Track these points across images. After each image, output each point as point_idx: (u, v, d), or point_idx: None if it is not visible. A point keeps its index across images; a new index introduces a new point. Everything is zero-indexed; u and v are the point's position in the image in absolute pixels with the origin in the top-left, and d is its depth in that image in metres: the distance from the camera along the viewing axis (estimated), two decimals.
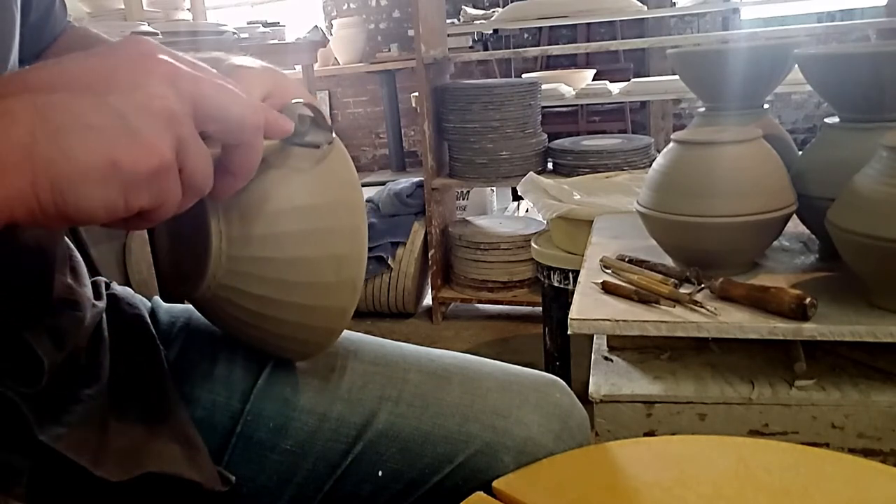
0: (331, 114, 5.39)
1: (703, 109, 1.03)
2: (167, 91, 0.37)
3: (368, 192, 2.66)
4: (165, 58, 0.38)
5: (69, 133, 0.34)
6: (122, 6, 1.96)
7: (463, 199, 2.98)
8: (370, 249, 2.37)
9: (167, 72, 0.37)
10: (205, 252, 0.47)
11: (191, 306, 0.63)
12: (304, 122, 0.47)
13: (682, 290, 0.80)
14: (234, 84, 0.41)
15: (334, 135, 0.50)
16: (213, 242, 0.47)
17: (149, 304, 0.63)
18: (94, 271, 0.60)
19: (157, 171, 0.36)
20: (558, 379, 0.63)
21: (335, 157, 0.50)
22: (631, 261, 0.90)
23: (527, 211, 3.08)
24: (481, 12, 3.14)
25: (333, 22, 4.53)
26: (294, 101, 0.48)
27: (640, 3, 2.42)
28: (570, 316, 0.79)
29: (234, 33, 2.10)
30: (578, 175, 1.95)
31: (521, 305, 2.32)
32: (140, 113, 0.35)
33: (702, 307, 0.77)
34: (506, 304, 2.35)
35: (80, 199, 0.35)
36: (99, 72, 0.36)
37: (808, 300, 0.72)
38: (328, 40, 3.11)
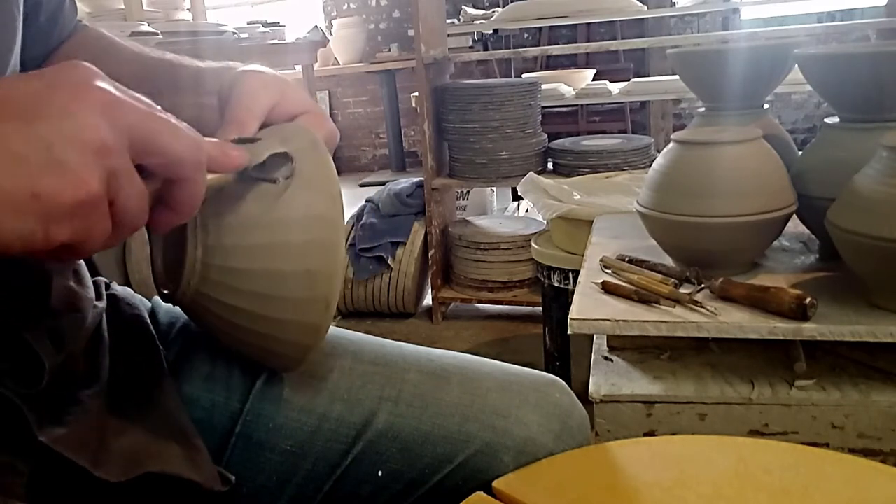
0: (331, 114, 5.39)
1: (703, 109, 1.03)
2: (100, 121, 0.35)
3: (368, 193, 2.66)
4: (104, 86, 0.37)
5: None
6: (122, 6, 1.96)
7: (463, 199, 2.98)
8: (370, 249, 2.37)
9: (103, 101, 0.36)
10: (183, 257, 0.48)
11: None
12: (261, 154, 0.47)
13: (682, 290, 0.80)
14: (174, 118, 0.39)
15: (321, 146, 0.50)
16: (188, 249, 0.48)
17: (149, 304, 0.63)
18: (94, 271, 0.60)
19: (81, 204, 0.34)
20: (558, 379, 0.63)
21: (316, 170, 0.49)
22: (631, 261, 0.90)
23: (527, 211, 3.08)
24: (481, 12, 3.14)
25: (333, 22, 4.53)
26: (251, 136, 0.48)
27: (640, 3, 2.42)
28: (570, 316, 0.79)
29: (234, 33, 2.10)
30: (578, 175, 1.95)
31: (521, 305, 2.32)
32: (68, 143, 0.34)
33: (702, 307, 0.77)
34: (506, 304, 2.35)
35: None
36: (31, 97, 0.35)
37: (808, 300, 0.72)
38: (328, 40, 3.12)
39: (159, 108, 0.39)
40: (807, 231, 0.92)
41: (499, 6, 3.92)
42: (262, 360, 0.56)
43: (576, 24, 4.29)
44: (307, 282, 0.48)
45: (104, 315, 0.57)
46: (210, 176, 0.42)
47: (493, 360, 0.63)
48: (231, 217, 0.48)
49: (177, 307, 0.64)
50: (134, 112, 0.37)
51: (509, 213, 3.12)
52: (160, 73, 0.59)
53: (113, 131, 0.35)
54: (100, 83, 0.37)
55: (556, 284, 1.56)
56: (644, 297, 0.80)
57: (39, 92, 0.35)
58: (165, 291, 0.52)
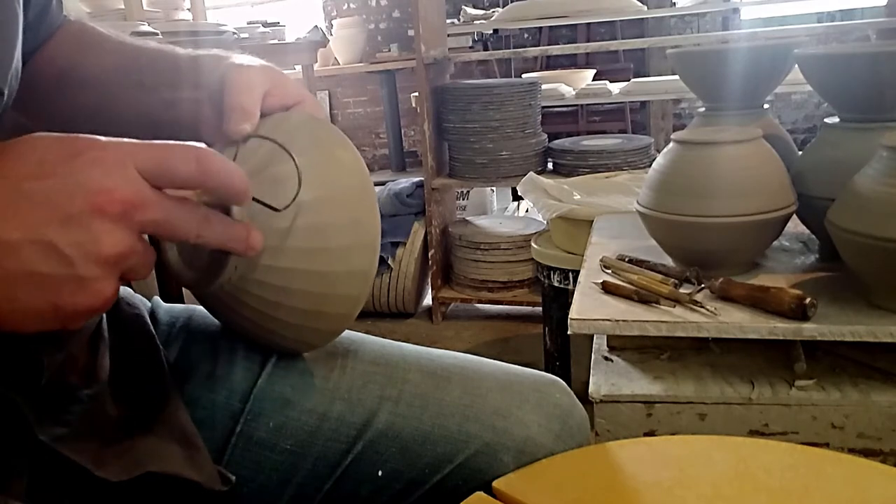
0: (331, 114, 5.39)
1: (703, 109, 1.03)
2: (120, 234, 0.37)
3: None
4: (123, 181, 0.37)
5: (16, 282, 0.36)
6: (122, 6, 1.96)
7: (463, 199, 2.98)
8: None
9: (123, 211, 0.37)
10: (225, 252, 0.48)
11: (191, 306, 0.63)
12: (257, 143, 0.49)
13: (682, 290, 0.80)
14: (208, 163, 0.40)
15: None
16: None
17: (149, 304, 0.63)
18: None
19: (99, 309, 0.38)
20: (558, 379, 0.63)
21: (340, 151, 0.52)
22: (631, 261, 0.90)
23: (527, 211, 3.08)
24: (481, 12, 3.14)
25: (333, 22, 4.53)
26: (270, 135, 0.50)
27: (640, 3, 2.42)
28: (570, 316, 0.79)
29: (234, 33, 2.10)
30: (578, 175, 1.95)
31: (521, 305, 2.32)
32: (88, 261, 0.36)
33: (702, 307, 0.77)
34: (506, 304, 2.35)
35: (18, 328, 0.37)
36: (51, 203, 0.36)
37: (808, 300, 0.72)
38: (328, 40, 3.11)
39: (184, 162, 0.39)
40: (807, 231, 0.92)
41: (499, 6, 3.92)
42: (293, 341, 0.56)
43: (576, 24, 4.29)
44: (354, 230, 0.52)
45: (104, 315, 0.57)
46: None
47: (493, 360, 0.63)
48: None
49: (177, 307, 0.64)
50: (147, 210, 0.38)
51: (509, 213, 3.12)
52: (144, 65, 0.59)
53: (129, 236, 0.38)
54: (115, 181, 0.37)
55: (556, 284, 1.56)
56: (644, 297, 0.80)
57: (59, 193, 0.36)
58: (188, 285, 0.52)
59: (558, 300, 1.59)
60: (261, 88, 0.53)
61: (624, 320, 0.77)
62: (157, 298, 0.65)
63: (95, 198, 0.37)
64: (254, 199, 0.47)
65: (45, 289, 0.36)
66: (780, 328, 0.73)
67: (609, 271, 0.89)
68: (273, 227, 0.48)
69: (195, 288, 0.52)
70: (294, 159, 0.49)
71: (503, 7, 2.79)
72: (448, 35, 2.63)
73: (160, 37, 1.71)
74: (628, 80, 2.84)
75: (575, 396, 0.62)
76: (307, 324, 0.53)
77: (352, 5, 5.26)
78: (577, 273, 0.95)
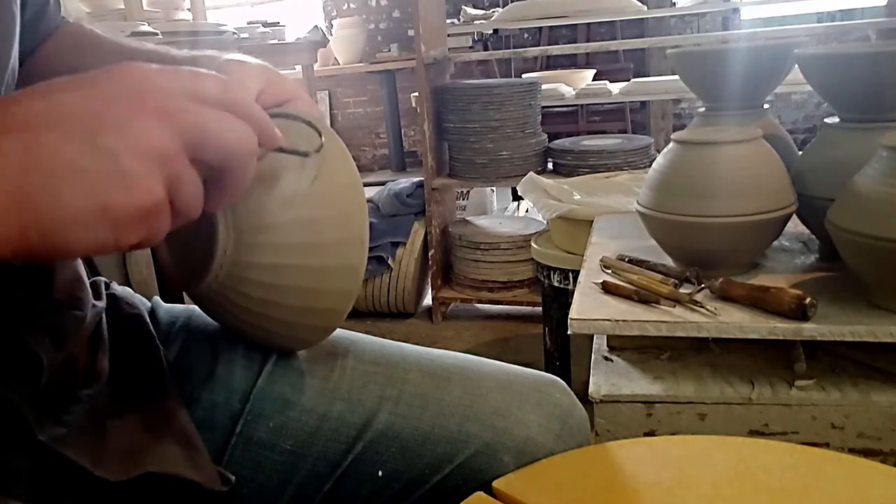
0: (331, 114, 5.39)
1: (703, 109, 1.03)
2: (159, 129, 0.36)
3: (369, 193, 2.65)
4: (157, 89, 0.37)
5: (60, 178, 0.34)
6: (122, 6, 1.96)
7: (463, 199, 2.98)
8: (370, 249, 2.36)
9: (159, 108, 0.37)
10: (211, 246, 0.48)
11: (191, 306, 0.63)
12: (291, 128, 0.48)
13: (682, 290, 0.80)
14: (232, 103, 0.40)
15: (335, 134, 0.51)
16: (219, 233, 0.48)
17: (148, 304, 0.63)
18: (94, 271, 0.60)
19: (148, 211, 0.36)
20: (558, 379, 0.63)
21: (331, 147, 0.51)
22: (631, 261, 0.90)
23: (527, 211, 3.08)
24: (481, 12, 3.14)
25: (333, 22, 4.53)
26: (281, 110, 0.48)
27: (640, 3, 2.42)
28: (570, 316, 0.79)
29: (234, 33, 2.10)
30: (578, 175, 1.95)
31: (521, 305, 2.32)
32: (132, 154, 0.35)
33: (702, 307, 0.77)
34: (506, 304, 2.35)
35: (70, 242, 0.35)
36: (90, 108, 0.36)
37: (808, 300, 0.72)
38: (328, 40, 3.11)
39: (214, 83, 0.40)
40: (807, 231, 0.92)
41: (499, 6, 3.92)
42: (287, 339, 0.56)
43: (576, 24, 4.28)
44: (337, 249, 0.51)
45: (104, 315, 0.57)
46: None
47: (493, 360, 0.63)
48: (256, 198, 0.48)
49: (177, 307, 0.64)
50: (188, 113, 0.38)
51: (509, 213, 3.12)
52: None
53: (171, 136, 0.36)
54: (153, 87, 0.37)
55: (556, 284, 1.56)
56: (644, 297, 0.80)
57: (95, 104, 0.36)
58: (181, 285, 0.52)
59: (558, 300, 1.59)
60: (256, 86, 0.53)
61: (624, 320, 0.77)
62: (157, 298, 0.65)
63: (137, 98, 0.36)
64: (279, 148, 0.46)
65: (92, 186, 0.34)
66: (780, 328, 0.73)
67: (609, 271, 0.89)
68: (260, 222, 0.48)
69: (188, 287, 0.53)
70: (306, 122, 0.49)
71: (503, 7, 2.79)
72: (448, 35, 2.63)
73: (160, 37, 1.71)
74: (628, 80, 2.84)
75: (575, 396, 0.62)
76: (300, 320, 0.53)
77: (352, 5, 5.26)
78: (577, 273, 0.95)
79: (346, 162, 0.52)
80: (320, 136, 0.49)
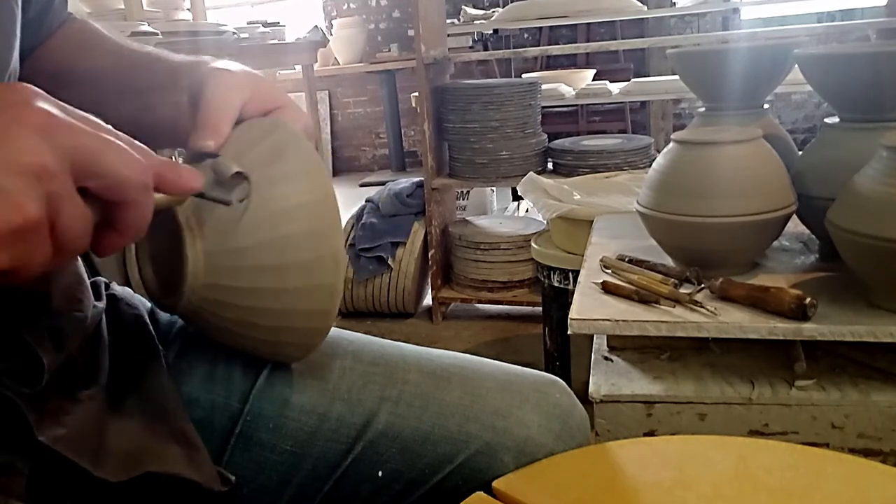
0: (331, 114, 5.39)
1: (703, 109, 1.03)
2: (40, 144, 0.34)
3: (368, 193, 2.66)
4: (44, 106, 0.36)
5: None
6: (122, 6, 1.96)
7: (463, 199, 2.98)
8: (370, 249, 2.37)
9: (43, 123, 0.35)
10: (182, 267, 0.48)
11: None
12: (222, 176, 0.47)
13: (682, 290, 0.80)
14: (125, 140, 0.38)
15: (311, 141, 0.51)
16: (188, 257, 0.48)
17: (148, 304, 0.63)
18: (94, 272, 0.60)
19: (20, 230, 0.34)
20: (558, 379, 0.63)
21: (304, 162, 0.50)
22: (631, 261, 0.90)
23: (527, 211, 3.07)
24: (481, 12, 3.14)
25: (333, 22, 4.54)
26: (204, 153, 0.48)
27: (640, 3, 2.42)
28: (570, 316, 0.79)
29: (234, 33, 2.10)
30: (578, 175, 1.95)
31: (521, 305, 2.32)
32: (5, 168, 0.33)
33: (702, 307, 0.77)
34: (506, 304, 2.34)
35: None
36: None
37: (808, 300, 0.72)
38: (328, 40, 3.12)
39: (107, 127, 0.38)
40: (807, 231, 0.92)
41: (499, 6, 3.92)
42: (272, 354, 0.56)
43: (576, 24, 4.29)
44: (314, 243, 0.49)
45: (104, 315, 0.57)
46: (162, 196, 0.41)
47: (493, 361, 0.63)
48: (225, 221, 0.48)
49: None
50: (75, 133, 0.36)
51: (509, 213, 3.12)
52: (139, 68, 0.59)
53: (53, 154, 0.35)
54: (40, 104, 0.36)
55: (556, 284, 1.56)
56: (644, 297, 0.80)
57: None
58: (161, 303, 0.52)
59: (558, 300, 1.59)
60: (239, 100, 0.52)
61: (624, 320, 0.77)
62: None
63: (20, 111, 0.35)
64: (202, 194, 0.44)
65: None
66: (780, 328, 0.73)
67: (609, 271, 0.89)
68: (229, 245, 0.48)
69: (166, 306, 0.53)
70: (246, 178, 0.48)
71: (503, 7, 2.79)
72: (448, 35, 2.63)
73: (160, 37, 1.71)
74: (628, 80, 2.84)
75: (575, 396, 0.62)
76: (280, 338, 0.53)
77: (352, 5, 5.26)
78: (577, 273, 0.95)
79: (317, 178, 0.50)
80: (248, 183, 0.48)
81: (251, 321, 0.51)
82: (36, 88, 0.37)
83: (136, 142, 0.39)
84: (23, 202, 0.34)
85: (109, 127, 0.39)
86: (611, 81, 2.82)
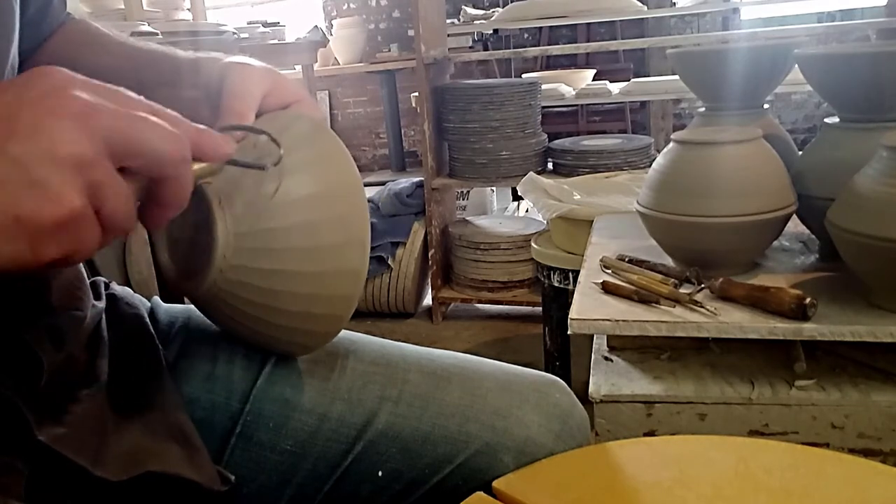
0: (331, 114, 5.39)
1: (703, 109, 1.03)
2: (76, 133, 0.34)
3: (368, 193, 2.65)
4: (77, 94, 0.35)
5: None
6: (122, 6, 1.96)
7: (463, 199, 2.98)
8: (370, 249, 2.36)
9: (76, 111, 0.35)
10: (210, 250, 0.48)
11: (190, 306, 0.63)
12: (251, 141, 0.47)
13: (682, 290, 0.80)
14: (159, 113, 0.38)
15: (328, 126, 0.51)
16: (218, 238, 0.48)
17: (148, 304, 0.63)
18: (94, 271, 0.60)
19: (65, 221, 0.34)
20: (558, 379, 0.63)
21: (331, 148, 0.51)
22: (631, 261, 0.90)
23: (527, 211, 3.07)
24: (481, 12, 3.14)
25: (333, 22, 4.53)
26: (233, 124, 0.48)
27: (640, 3, 2.42)
28: (570, 316, 0.79)
29: (234, 33, 2.10)
30: (578, 175, 1.95)
31: (521, 305, 2.32)
32: (43, 161, 0.33)
33: (702, 307, 0.76)
34: (506, 304, 2.34)
35: None
36: (2, 115, 0.34)
37: (808, 300, 0.72)
38: (328, 40, 3.11)
39: (140, 100, 0.38)
40: (807, 231, 0.92)
41: (499, 6, 3.92)
42: (287, 344, 0.56)
43: (576, 24, 4.29)
44: (338, 253, 0.50)
45: (104, 315, 0.57)
46: (198, 165, 0.41)
47: (493, 361, 0.63)
48: (255, 202, 0.48)
49: (176, 307, 0.64)
50: (110, 116, 0.36)
51: (509, 213, 3.12)
52: (141, 65, 0.59)
53: (90, 141, 0.35)
54: (72, 90, 0.36)
55: (556, 284, 1.56)
56: (644, 297, 0.80)
57: (10, 108, 0.34)
58: (181, 287, 0.52)
59: (558, 300, 1.59)
60: (259, 92, 0.53)
61: (624, 320, 0.77)
62: (156, 298, 0.65)
63: (53, 101, 0.34)
64: (233, 161, 0.44)
65: (2, 196, 0.33)
66: (780, 328, 0.73)
67: (609, 271, 0.89)
68: (260, 226, 0.48)
69: (186, 291, 0.52)
70: (267, 134, 0.48)
71: (503, 7, 2.79)
72: (448, 35, 2.63)
73: (160, 37, 1.71)
74: (628, 80, 2.83)
75: (575, 396, 0.62)
76: (300, 325, 0.53)
77: (352, 5, 5.26)
78: (577, 273, 0.95)
79: (344, 163, 0.52)
80: (279, 147, 0.47)
81: (273, 306, 0.51)
82: (67, 72, 0.37)
83: (169, 111, 0.39)
84: (64, 194, 0.34)
85: (142, 99, 0.38)
86: (611, 81, 2.82)
